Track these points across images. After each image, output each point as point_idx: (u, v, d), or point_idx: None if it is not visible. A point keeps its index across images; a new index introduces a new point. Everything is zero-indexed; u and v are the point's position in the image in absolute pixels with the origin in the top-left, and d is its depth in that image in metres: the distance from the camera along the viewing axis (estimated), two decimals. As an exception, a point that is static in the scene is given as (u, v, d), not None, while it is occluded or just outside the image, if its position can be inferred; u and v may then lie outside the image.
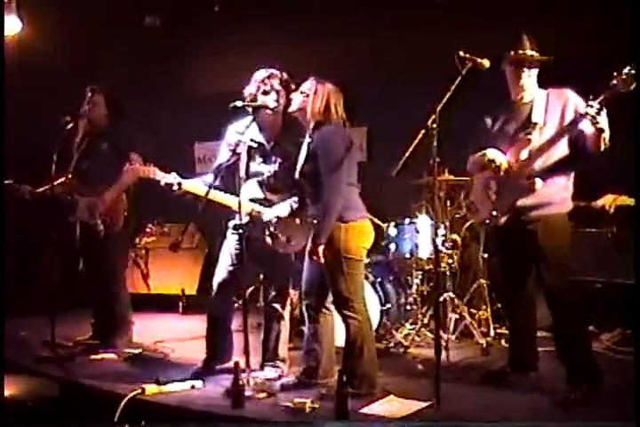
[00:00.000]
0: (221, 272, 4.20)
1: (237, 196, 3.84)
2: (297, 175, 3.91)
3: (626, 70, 3.27)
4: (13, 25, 5.00)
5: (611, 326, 4.82)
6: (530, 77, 3.76)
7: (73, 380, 4.13)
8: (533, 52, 3.72)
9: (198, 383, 3.97)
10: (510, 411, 3.50)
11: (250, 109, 4.05)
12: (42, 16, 5.40)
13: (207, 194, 3.84)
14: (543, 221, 3.68)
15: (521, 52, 3.71)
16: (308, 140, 3.89)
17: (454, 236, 5.21)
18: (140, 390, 3.76)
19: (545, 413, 3.45)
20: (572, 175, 3.76)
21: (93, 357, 4.69)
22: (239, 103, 3.93)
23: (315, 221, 3.78)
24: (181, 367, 4.37)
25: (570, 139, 3.64)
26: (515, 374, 3.96)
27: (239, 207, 3.82)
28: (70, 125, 4.65)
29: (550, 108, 3.69)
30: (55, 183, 4.70)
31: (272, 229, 4.05)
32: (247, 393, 3.66)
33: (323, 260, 3.71)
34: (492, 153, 3.77)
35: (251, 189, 4.12)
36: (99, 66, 6.43)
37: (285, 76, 4.12)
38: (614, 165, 4.34)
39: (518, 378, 3.93)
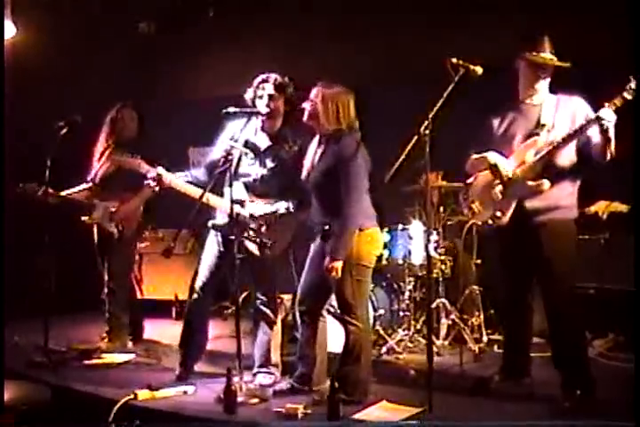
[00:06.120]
0: (203, 275, 4.20)
1: (222, 196, 3.92)
2: (307, 181, 3.86)
3: None
4: (8, 30, 5.00)
5: (603, 331, 4.82)
6: (545, 81, 3.70)
7: (66, 385, 4.12)
8: (553, 56, 3.64)
9: (191, 389, 3.97)
10: (503, 417, 3.49)
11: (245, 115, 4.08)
12: (36, 21, 5.42)
13: (202, 195, 3.89)
14: (550, 226, 3.63)
15: (542, 54, 3.63)
16: (322, 146, 3.83)
17: (447, 242, 5.23)
18: (132, 396, 3.76)
19: (538, 418, 3.44)
20: (578, 183, 3.71)
21: (87, 362, 4.68)
22: (232, 109, 3.95)
23: (326, 227, 3.76)
24: (174, 373, 4.33)
25: (577, 146, 3.61)
26: (508, 380, 3.93)
27: (231, 208, 3.81)
28: (64, 131, 4.66)
29: (560, 113, 3.64)
30: (77, 189, 5.04)
31: (251, 231, 4.03)
32: (240, 399, 3.66)
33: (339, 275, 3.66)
34: (493, 157, 3.72)
35: (236, 190, 3.98)
36: (93, 70, 6.46)
37: (281, 79, 4.03)
38: (607, 172, 4.35)
39: (511, 384, 3.90)
